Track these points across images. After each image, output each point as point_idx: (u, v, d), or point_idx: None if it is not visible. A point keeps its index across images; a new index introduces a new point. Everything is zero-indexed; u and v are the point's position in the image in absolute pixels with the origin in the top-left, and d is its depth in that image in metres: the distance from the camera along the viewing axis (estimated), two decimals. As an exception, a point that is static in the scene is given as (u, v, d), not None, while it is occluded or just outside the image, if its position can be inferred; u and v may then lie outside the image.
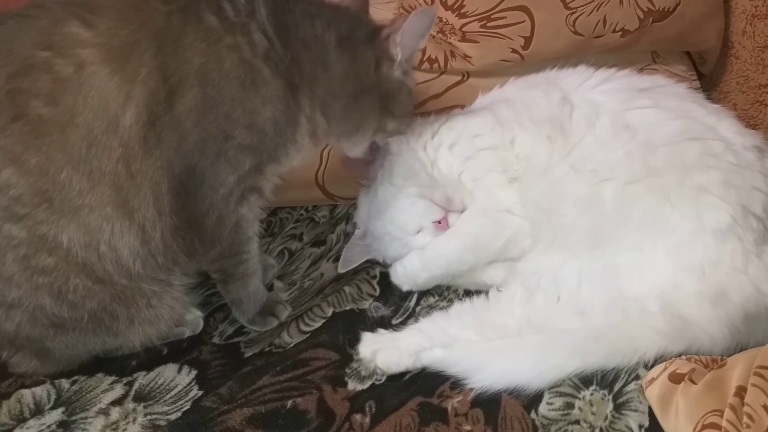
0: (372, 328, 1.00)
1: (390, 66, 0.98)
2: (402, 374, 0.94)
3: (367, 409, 0.89)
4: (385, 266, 1.14)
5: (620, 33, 1.26)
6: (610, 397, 0.85)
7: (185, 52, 0.87)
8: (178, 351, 1.03)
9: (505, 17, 1.23)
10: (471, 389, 0.88)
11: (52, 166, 0.84)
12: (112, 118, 0.85)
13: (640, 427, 0.81)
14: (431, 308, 1.06)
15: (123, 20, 0.86)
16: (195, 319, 1.07)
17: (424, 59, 1.29)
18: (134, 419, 0.91)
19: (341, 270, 1.14)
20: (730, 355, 0.83)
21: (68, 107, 0.84)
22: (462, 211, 1.06)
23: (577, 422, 0.83)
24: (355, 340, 0.98)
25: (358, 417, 0.88)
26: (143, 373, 0.98)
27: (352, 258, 1.14)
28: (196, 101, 0.88)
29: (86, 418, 0.91)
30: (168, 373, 0.98)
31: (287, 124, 0.95)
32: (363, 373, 0.95)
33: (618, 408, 0.83)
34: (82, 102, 0.84)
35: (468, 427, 0.84)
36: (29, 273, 0.87)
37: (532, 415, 0.84)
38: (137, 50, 0.86)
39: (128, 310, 0.93)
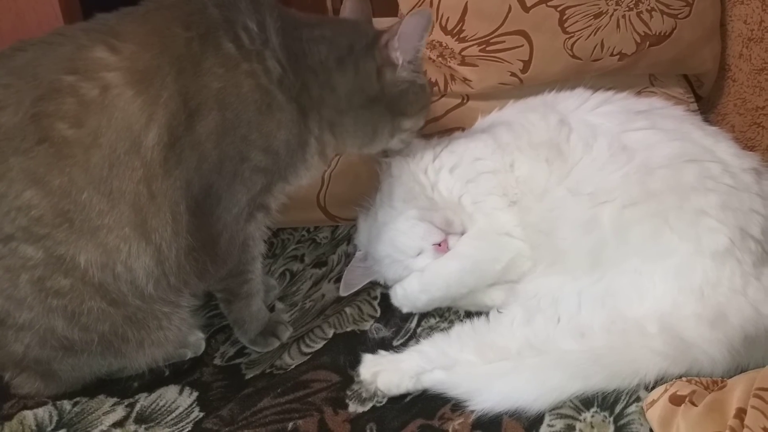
0: (373, 350, 1.00)
1: (393, 71, 1.00)
2: (403, 396, 0.94)
3: (368, 431, 0.89)
4: (386, 287, 1.14)
5: (618, 56, 1.27)
6: (611, 419, 0.84)
7: (204, 76, 0.90)
8: (179, 372, 1.03)
9: (504, 41, 1.25)
10: (472, 411, 0.88)
11: (74, 187, 0.85)
12: (135, 139, 0.87)
13: (641, 449, 0.81)
14: (432, 329, 1.06)
15: (146, 45, 0.89)
16: (197, 340, 1.07)
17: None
18: (135, 441, 0.91)
19: (343, 294, 1.14)
20: (731, 377, 0.83)
21: (93, 128, 0.85)
22: (462, 234, 1.07)
23: (578, 444, 0.83)
24: (356, 362, 0.98)
25: (359, 439, 0.88)
26: (144, 394, 0.98)
27: (353, 281, 1.14)
28: (215, 124, 0.90)
29: (88, 440, 0.91)
30: (169, 394, 0.98)
31: (298, 145, 0.98)
32: (364, 395, 0.95)
33: (619, 430, 0.83)
34: (106, 123, 0.86)
35: (469, 450, 0.84)
36: (43, 295, 0.88)
37: (533, 437, 0.84)
38: (159, 74, 0.88)
39: (139, 332, 0.94)
